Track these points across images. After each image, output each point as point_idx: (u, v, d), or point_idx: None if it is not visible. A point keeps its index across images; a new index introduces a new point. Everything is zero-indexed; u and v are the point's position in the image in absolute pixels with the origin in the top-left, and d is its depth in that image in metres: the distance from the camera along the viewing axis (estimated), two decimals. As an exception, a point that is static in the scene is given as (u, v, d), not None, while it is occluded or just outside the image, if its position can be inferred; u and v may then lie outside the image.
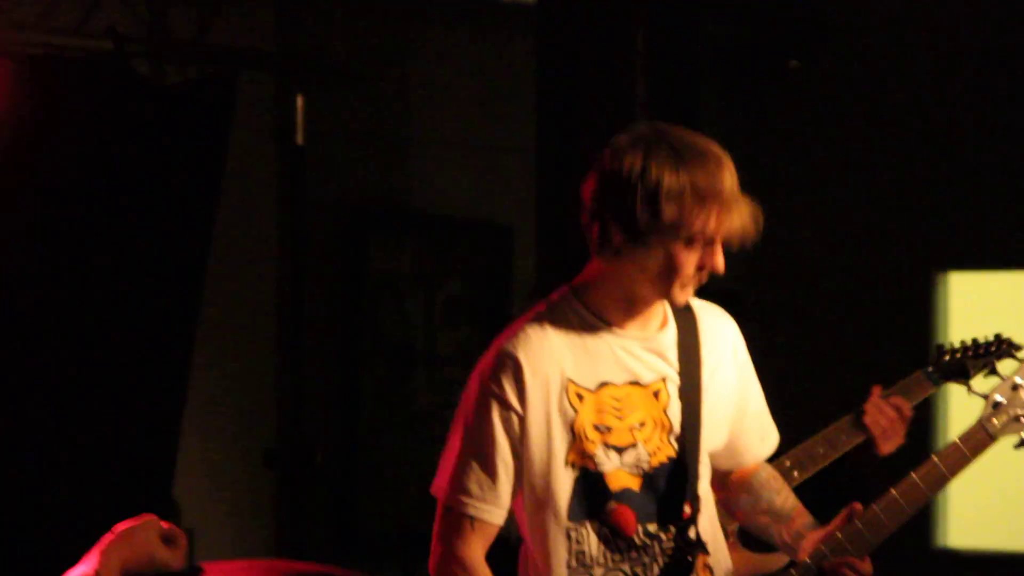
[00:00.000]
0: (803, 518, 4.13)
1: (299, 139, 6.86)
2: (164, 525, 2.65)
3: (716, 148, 3.63)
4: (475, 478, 3.79)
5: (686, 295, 3.78)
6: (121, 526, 2.72)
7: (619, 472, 3.91)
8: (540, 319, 3.87)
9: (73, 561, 3.21)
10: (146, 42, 6.82)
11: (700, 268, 3.71)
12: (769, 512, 4.23)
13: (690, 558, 3.92)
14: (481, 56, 7.93)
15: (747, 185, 3.78)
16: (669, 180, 3.56)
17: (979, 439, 4.17)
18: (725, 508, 4.29)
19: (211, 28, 7.00)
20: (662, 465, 3.90)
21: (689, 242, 3.67)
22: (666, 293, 3.73)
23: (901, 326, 8.06)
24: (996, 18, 8.27)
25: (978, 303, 8.74)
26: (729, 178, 3.65)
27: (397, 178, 8.16)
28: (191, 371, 6.44)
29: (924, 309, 8.74)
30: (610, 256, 3.69)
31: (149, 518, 2.59)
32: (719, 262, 3.70)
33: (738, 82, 8.51)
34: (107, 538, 2.67)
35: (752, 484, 4.23)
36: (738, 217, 3.66)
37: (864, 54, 8.60)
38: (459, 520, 3.80)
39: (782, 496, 4.24)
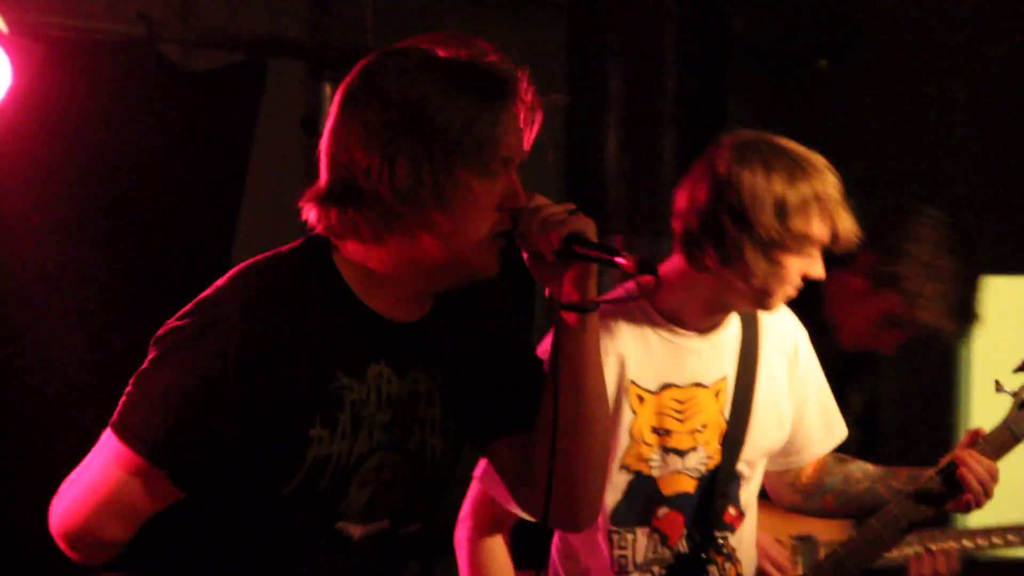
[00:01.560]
0: (901, 469, 4.37)
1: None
2: None
3: (819, 157, 3.79)
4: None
5: (781, 305, 3.93)
6: None
7: (677, 476, 4.04)
8: (616, 319, 3.99)
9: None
10: (176, 27, 6.61)
11: (804, 278, 3.81)
12: (865, 477, 4.35)
13: (726, 566, 4.06)
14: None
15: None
16: (794, 193, 3.69)
17: (1003, 440, 4.24)
18: (812, 506, 4.45)
19: (241, 14, 6.94)
20: (717, 467, 4.02)
21: (805, 252, 3.81)
22: (766, 304, 3.84)
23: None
24: None
25: (1013, 309, 8.48)
26: (839, 185, 3.78)
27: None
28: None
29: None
30: (714, 264, 3.79)
31: None
32: (821, 270, 3.82)
33: (767, 79, 8.44)
34: None
35: (827, 465, 4.33)
36: (850, 222, 3.80)
37: (893, 54, 8.48)
38: (485, 505, 4.01)
39: (863, 464, 4.37)
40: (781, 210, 3.73)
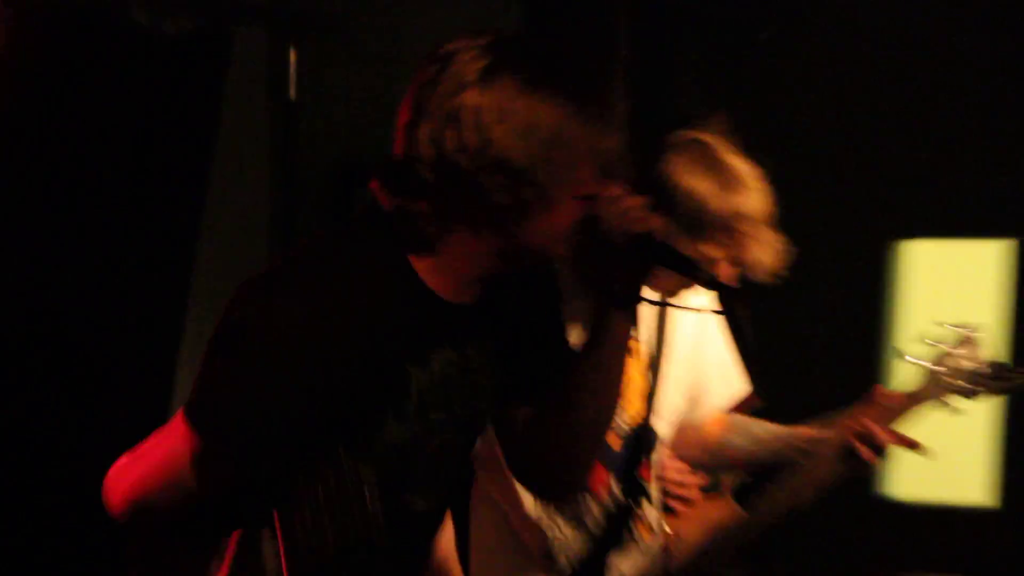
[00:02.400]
0: (803, 429, 4.52)
1: (292, 94, 6.79)
2: None
3: (743, 165, 4.02)
4: None
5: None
6: None
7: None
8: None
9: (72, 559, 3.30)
10: None
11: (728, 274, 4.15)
12: (769, 436, 4.52)
13: (638, 512, 4.21)
14: (475, 11, 7.78)
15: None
16: (722, 206, 3.98)
17: (903, 403, 4.47)
18: (717, 462, 4.61)
19: None
20: (638, 426, 4.17)
21: (735, 262, 4.07)
22: (681, 289, 4.05)
23: (860, 294, 8.08)
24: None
25: (934, 273, 8.71)
26: (761, 195, 4.09)
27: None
28: (185, 319, 6.32)
29: (880, 278, 8.58)
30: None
31: None
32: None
33: (713, 55, 8.43)
34: None
35: (735, 424, 4.56)
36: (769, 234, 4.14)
37: (831, 29, 8.47)
38: None
39: (768, 424, 4.58)
40: (726, 219, 4.04)
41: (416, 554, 3.52)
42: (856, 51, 8.24)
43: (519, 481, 3.75)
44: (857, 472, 4.63)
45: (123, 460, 3.04)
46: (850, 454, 4.43)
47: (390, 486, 3.18)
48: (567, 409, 3.22)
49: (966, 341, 4.46)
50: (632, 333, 3.58)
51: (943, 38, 8.09)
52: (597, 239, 3.03)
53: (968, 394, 4.47)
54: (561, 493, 3.80)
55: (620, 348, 3.22)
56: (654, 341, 4.36)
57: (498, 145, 2.73)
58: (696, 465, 4.61)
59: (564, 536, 4.28)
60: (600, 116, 2.89)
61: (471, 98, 2.76)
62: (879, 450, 4.43)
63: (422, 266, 2.96)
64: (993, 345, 4.54)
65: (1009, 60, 7.91)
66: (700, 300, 4.20)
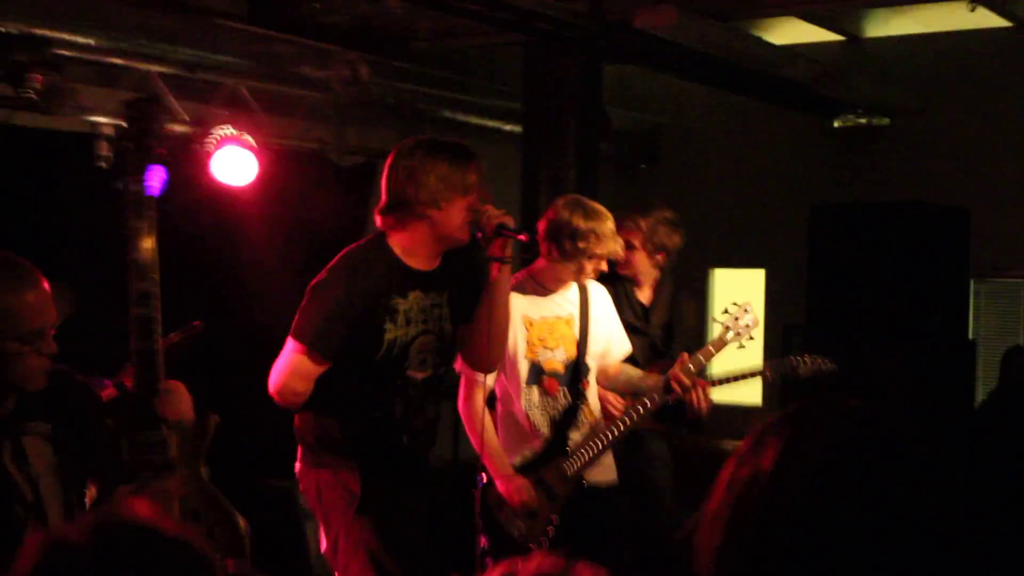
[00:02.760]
0: (653, 375, 5.67)
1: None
2: None
3: (604, 210, 5.39)
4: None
5: (588, 279, 5.50)
6: None
7: (552, 361, 5.43)
8: (518, 287, 5.39)
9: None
10: (335, 143, 8.52)
11: (595, 270, 5.42)
12: (637, 375, 5.72)
13: (582, 407, 5.48)
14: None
15: (621, 227, 5.62)
16: (579, 222, 5.28)
17: (698, 360, 5.61)
18: (611, 387, 5.78)
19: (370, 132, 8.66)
20: (573, 360, 5.46)
21: (591, 258, 5.34)
22: (580, 278, 5.44)
23: (697, 293, 8.95)
24: (778, 143, 10.55)
25: (728, 283, 10.78)
26: (611, 225, 5.37)
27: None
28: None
29: (703, 286, 10.36)
30: (553, 261, 5.40)
31: None
32: (604, 267, 5.46)
33: (617, 174, 10.27)
34: None
35: (622, 368, 5.69)
36: (615, 244, 5.42)
37: (682, 162, 10.83)
38: (472, 382, 5.31)
39: (637, 370, 5.74)
40: (574, 235, 5.25)
41: (424, 407, 4.72)
42: (698, 176, 10.59)
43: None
44: (674, 401, 5.60)
45: (272, 369, 4.33)
46: (668, 388, 5.47)
47: (398, 366, 4.53)
48: (483, 320, 4.62)
49: (743, 311, 5.67)
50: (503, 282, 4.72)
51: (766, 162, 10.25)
52: (480, 231, 4.45)
53: (744, 339, 5.69)
54: (492, 367, 5.00)
55: (504, 286, 4.60)
56: (579, 313, 5.53)
57: (416, 186, 4.33)
58: (606, 388, 5.75)
59: (541, 420, 5.42)
60: (465, 167, 4.42)
61: (404, 163, 4.36)
62: (684, 387, 5.44)
63: (398, 250, 4.48)
64: (756, 316, 5.78)
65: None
66: (597, 288, 5.62)
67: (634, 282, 6.33)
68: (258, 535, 4.41)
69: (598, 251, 5.28)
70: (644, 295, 6.36)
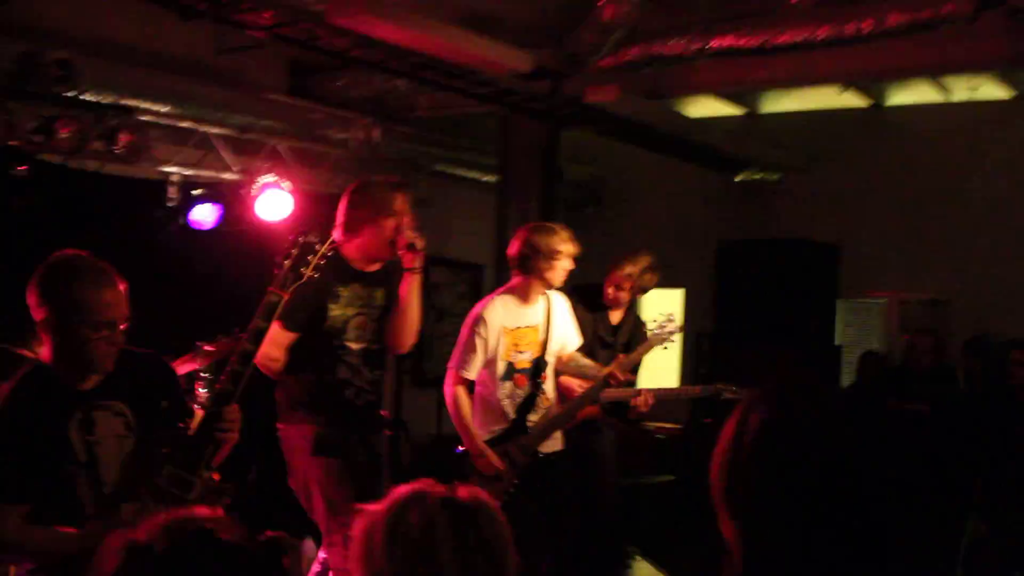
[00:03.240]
0: (599, 365, 5.53)
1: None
2: None
3: (552, 225, 5.41)
4: (468, 361, 5.34)
5: (559, 281, 5.35)
6: None
7: (522, 361, 5.37)
8: (495, 299, 5.42)
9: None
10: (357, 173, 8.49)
11: (565, 268, 5.27)
12: (586, 365, 5.62)
13: (540, 395, 5.42)
14: None
15: (615, 277, 5.93)
16: (545, 242, 5.22)
17: (646, 345, 5.60)
18: (563, 370, 5.60)
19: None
20: (536, 358, 5.40)
21: (555, 259, 5.19)
22: (548, 285, 5.34)
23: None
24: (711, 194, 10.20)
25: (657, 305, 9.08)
26: (562, 234, 5.27)
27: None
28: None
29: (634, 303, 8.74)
30: (526, 276, 5.30)
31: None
32: (564, 275, 5.32)
33: (569, 214, 9.19)
34: None
35: (573, 357, 5.60)
36: (566, 246, 5.27)
37: (621, 205, 10.58)
38: (457, 376, 5.33)
39: (583, 360, 5.62)
40: (548, 248, 5.22)
41: (361, 371, 4.75)
42: (639, 219, 10.20)
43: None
44: (610, 391, 5.49)
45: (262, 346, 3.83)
46: (606, 383, 5.40)
47: (339, 338, 4.71)
48: (396, 314, 4.80)
49: (668, 320, 5.62)
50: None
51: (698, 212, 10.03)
52: (400, 248, 4.61)
53: (668, 342, 5.59)
54: (403, 351, 5.02)
55: (413, 290, 4.69)
56: (544, 321, 5.42)
57: (357, 208, 4.60)
58: (560, 372, 5.59)
59: (510, 407, 5.37)
60: (392, 196, 4.58)
61: (353, 192, 4.67)
62: (618, 380, 5.33)
63: (346, 254, 4.62)
64: (679, 323, 5.69)
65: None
66: (559, 299, 5.49)
67: (610, 308, 6.29)
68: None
69: (560, 261, 5.27)
70: (615, 317, 6.31)
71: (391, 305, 4.77)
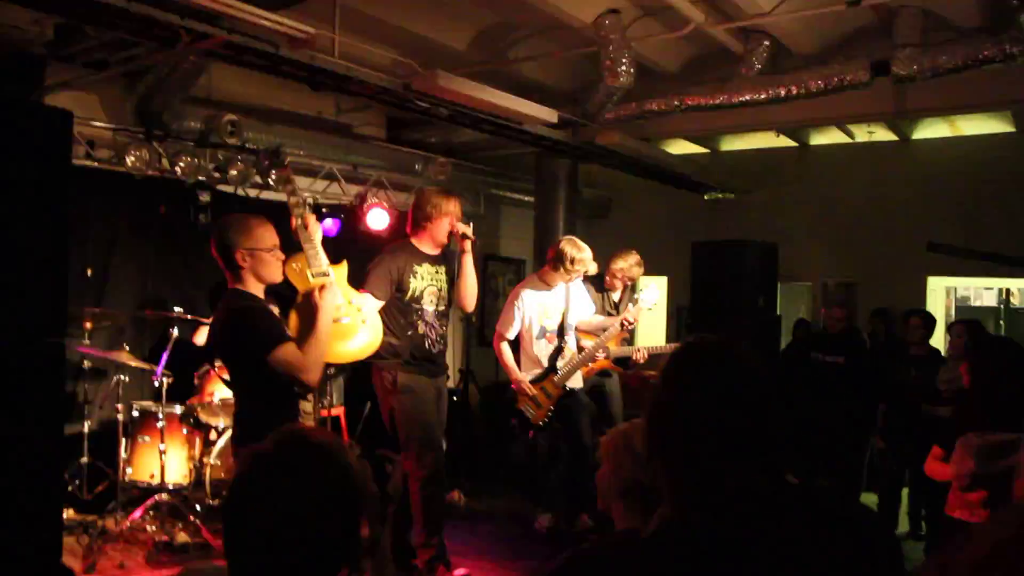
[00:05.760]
0: (612, 320, 5.34)
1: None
2: None
3: (584, 244, 5.20)
4: (508, 325, 5.31)
5: (572, 280, 5.28)
6: None
7: (551, 325, 5.32)
8: (530, 282, 5.38)
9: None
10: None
11: (576, 274, 5.20)
12: (598, 322, 5.50)
13: (565, 348, 5.33)
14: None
15: (610, 270, 5.74)
16: (572, 253, 5.11)
17: (638, 309, 5.36)
18: (586, 328, 5.45)
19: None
20: (560, 323, 5.33)
21: (574, 270, 5.11)
22: (568, 279, 5.23)
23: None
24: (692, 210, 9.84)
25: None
26: (586, 254, 5.18)
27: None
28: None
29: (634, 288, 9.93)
30: (554, 271, 5.24)
31: None
32: (588, 272, 5.27)
33: (586, 223, 9.03)
34: None
35: (589, 319, 5.46)
36: (585, 264, 5.19)
37: (623, 217, 10.32)
38: (500, 335, 5.29)
39: (598, 319, 5.52)
40: (572, 258, 5.11)
41: (435, 326, 4.51)
42: (635, 228, 9.68)
43: (463, 309, 4.70)
44: (616, 349, 5.30)
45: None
46: (622, 326, 5.31)
47: (418, 303, 4.49)
48: (460, 279, 4.48)
49: (650, 289, 5.43)
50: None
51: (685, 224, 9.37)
52: (452, 233, 4.46)
53: (649, 305, 5.39)
54: (468, 309, 4.74)
55: (468, 259, 4.50)
56: (564, 299, 5.32)
57: (422, 208, 4.38)
58: (583, 330, 5.44)
59: (544, 356, 5.33)
60: (448, 201, 4.35)
61: (419, 200, 4.43)
62: (630, 324, 5.24)
63: (416, 244, 4.49)
64: (659, 291, 5.42)
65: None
66: (577, 284, 5.31)
67: (610, 290, 6.18)
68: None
69: (577, 267, 5.25)
70: (615, 297, 6.17)
71: (452, 277, 4.61)
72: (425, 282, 4.49)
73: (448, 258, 4.62)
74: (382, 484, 4.33)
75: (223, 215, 3.26)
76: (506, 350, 5.21)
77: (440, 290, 4.54)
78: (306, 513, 1.30)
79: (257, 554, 1.31)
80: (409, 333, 4.46)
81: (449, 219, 4.46)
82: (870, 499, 6.23)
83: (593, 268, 5.30)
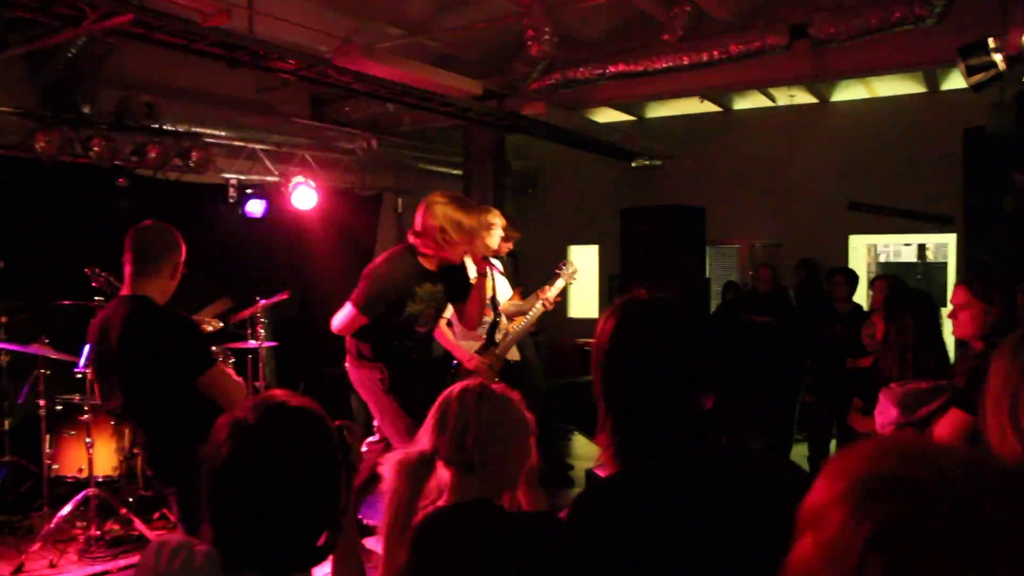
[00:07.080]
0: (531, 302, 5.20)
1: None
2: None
3: (495, 210, 4.97)
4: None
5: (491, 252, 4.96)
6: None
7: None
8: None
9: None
10: (358, 185, 8.26)
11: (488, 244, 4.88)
12: (523, 303, 5.32)
13: (499, 323, 5.10)
14: None
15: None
16: (473, 220, 4.10)
17: (555, 283, 5.15)
18: (512, 311, 5.29)
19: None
20: (493, 298, 5.16)
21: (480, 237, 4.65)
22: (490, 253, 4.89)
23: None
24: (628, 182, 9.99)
25: (579, 257, 9.84)
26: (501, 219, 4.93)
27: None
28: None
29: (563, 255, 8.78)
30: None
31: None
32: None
33: (514, 196, 9.56)
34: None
35: (511, 302, 5.31)
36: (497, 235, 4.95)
37: (552, 188, 10.58)
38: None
39: (520, 302, 5.35)
40: (467, 227, 4.07)
41: (420, 344, 4.25)
42: (565, 199, 9.99)
43: (462, 326, 4.56)
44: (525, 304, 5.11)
45: (335, 320, 3.77)
46: (544, 307, 5.09)
47: (410, 325, 4.10)
48: (470, 302, 4.27)
49: (569, 264, 5.24)
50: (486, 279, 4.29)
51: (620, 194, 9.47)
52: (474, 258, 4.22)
53: (570, 280, 5.24)
54: (474, 328, 4.59)
55: (480, 288, 4.23)
56: (492, 284, 5.26)
57: (442, 227, 3.83)
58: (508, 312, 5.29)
59: (482, 331, 5.12)
60: (473, 217, 3.89)
61: (436, 211, 3.84)
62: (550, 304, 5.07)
63: (420, 258, 4.00)
64: (576, 267, 5.24)
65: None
66: (496, 262, 5.22)
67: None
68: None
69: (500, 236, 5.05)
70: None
71: (451, 296, 4.25)
72: (423, 304, 4.11)
73: (447, 270, 4.17)
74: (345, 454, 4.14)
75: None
76: (447, 331, 5.01)
77: (437, 309, 4.21)
78: (292, 478, 1.32)
79: (244, 520, 1.33)
80: (395, 346, 4.17)
81: (480, 242, 4.26)
82: (800, 451, 6.34)
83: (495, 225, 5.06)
